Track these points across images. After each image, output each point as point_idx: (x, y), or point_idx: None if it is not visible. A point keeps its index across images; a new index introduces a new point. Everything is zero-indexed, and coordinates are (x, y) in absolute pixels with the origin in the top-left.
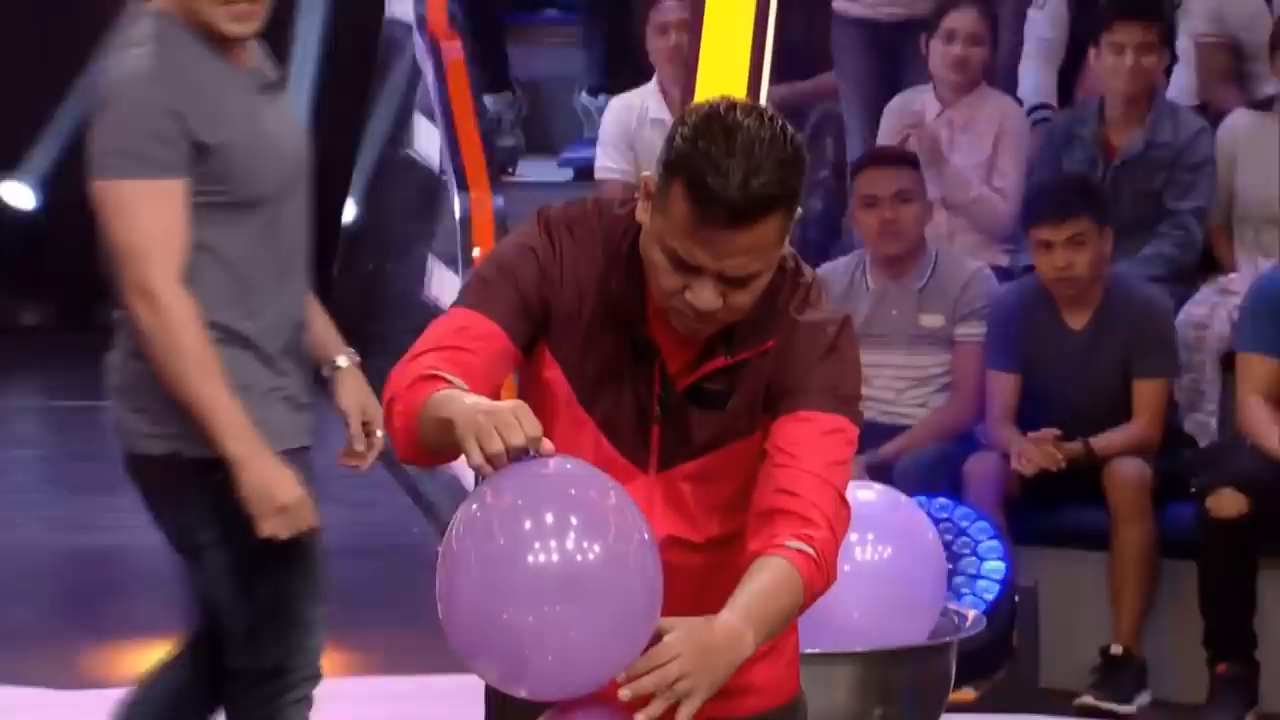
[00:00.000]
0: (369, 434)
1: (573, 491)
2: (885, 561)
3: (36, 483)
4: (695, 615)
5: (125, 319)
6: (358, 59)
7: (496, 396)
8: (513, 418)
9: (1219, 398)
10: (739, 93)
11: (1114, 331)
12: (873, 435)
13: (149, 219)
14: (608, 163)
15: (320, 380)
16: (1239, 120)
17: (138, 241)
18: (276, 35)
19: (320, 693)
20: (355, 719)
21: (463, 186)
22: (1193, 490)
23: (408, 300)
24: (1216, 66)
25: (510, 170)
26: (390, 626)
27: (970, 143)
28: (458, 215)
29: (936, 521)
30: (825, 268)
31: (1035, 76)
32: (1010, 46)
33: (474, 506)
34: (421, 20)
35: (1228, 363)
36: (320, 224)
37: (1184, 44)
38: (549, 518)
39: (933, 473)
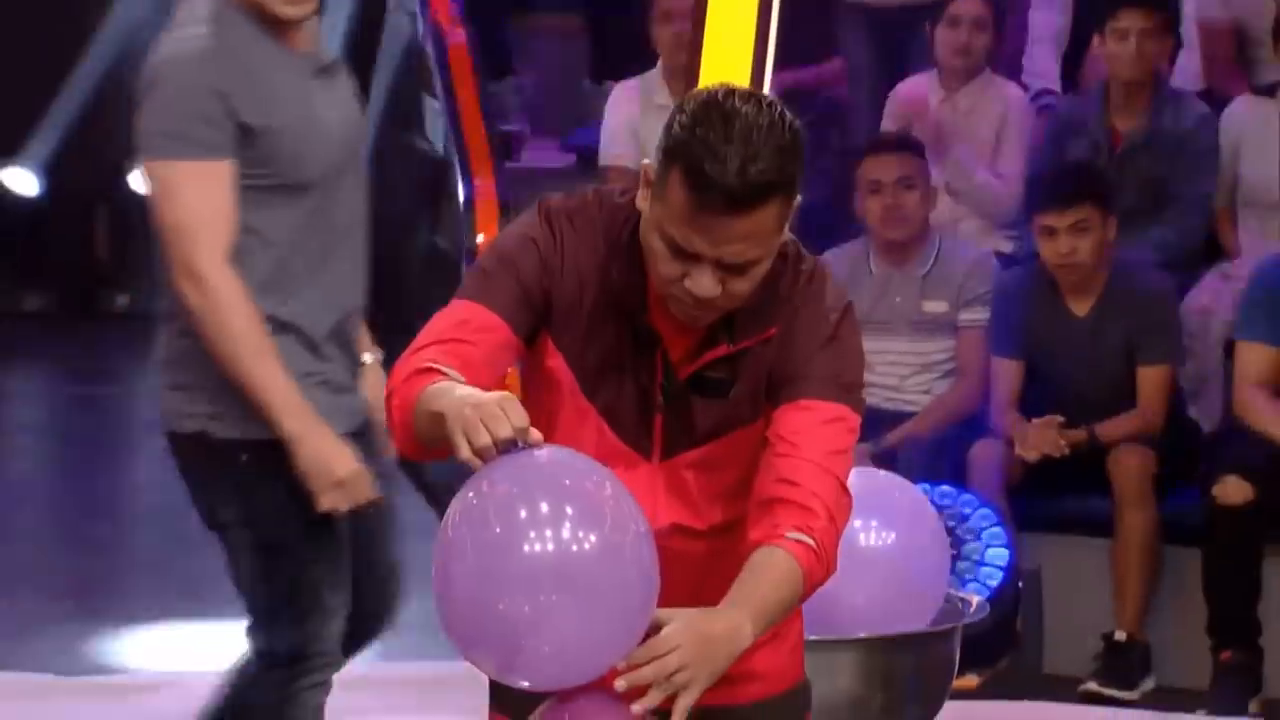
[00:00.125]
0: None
1: (569, 482)
2: (889, 548)
3: (40, 467)
4: (697, 602)
5: (173, 298)
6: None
7: (499, 388)
8: (499, 410)
9: (1223, 384)
10: (743, 79)
11: (1117, 318)
12: (876, 422)
13: (195, 200)
14: (612, 149)
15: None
16: (1243, 106)
17: (184, 222)
18: None
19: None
20: (380, 704)
21: (466, 173)
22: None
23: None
24: (1221, 51)
25: (514, 156)
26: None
27: (974, 129)
28: (461, 201)
29: (940, 508)
30: (828, 254)
31: (1039, 63)
32: (1015, 32)
33: (470, 494)
34: (425, 5)
35: (1232, 349)
36: None
37: (1189, 29)
38: (545, 507)
39: (936, 459)
